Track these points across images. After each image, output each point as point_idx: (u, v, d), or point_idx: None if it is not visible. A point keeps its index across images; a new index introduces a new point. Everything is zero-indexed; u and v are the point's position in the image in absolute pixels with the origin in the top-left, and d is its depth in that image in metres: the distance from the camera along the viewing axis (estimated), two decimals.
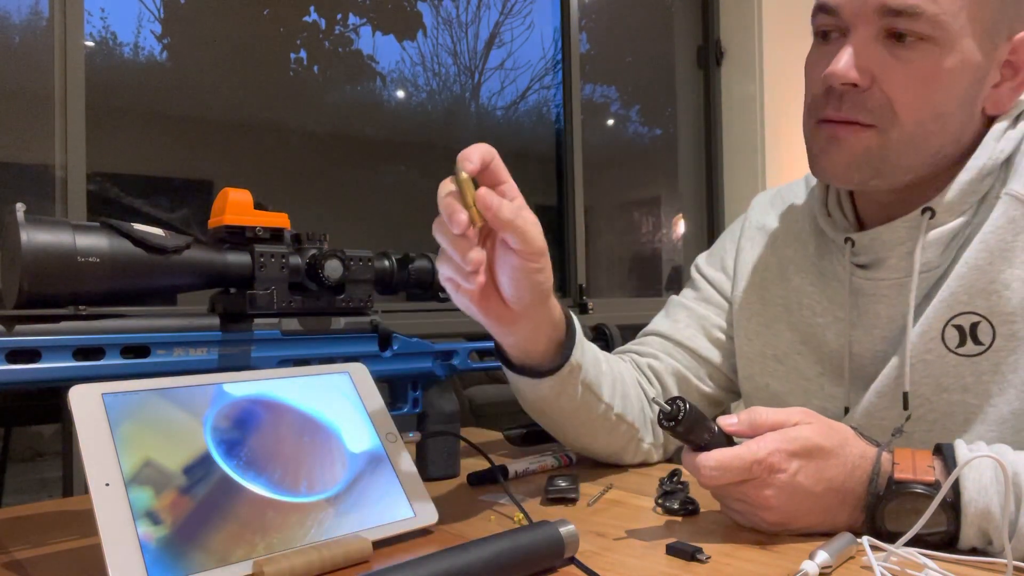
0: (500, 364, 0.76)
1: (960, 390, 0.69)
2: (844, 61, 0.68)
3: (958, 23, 0.66)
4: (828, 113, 0.70)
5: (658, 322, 0.95)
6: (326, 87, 2.20)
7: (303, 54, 2.09)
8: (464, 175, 0.56)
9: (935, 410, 0.70)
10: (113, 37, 1.73)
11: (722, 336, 0.91)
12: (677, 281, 2.81)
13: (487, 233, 0.62)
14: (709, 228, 2.68)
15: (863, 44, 0.68)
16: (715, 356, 0.90)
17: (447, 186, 0.57)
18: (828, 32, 0.71)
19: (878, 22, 0.67)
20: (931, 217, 0.70)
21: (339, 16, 2.16)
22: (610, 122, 3.04)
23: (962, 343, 0.69)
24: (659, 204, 2.99)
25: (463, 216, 0.56)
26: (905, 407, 0.70)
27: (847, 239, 0.76)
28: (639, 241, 2.92)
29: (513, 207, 0.58)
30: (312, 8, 2.06)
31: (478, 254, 0.57)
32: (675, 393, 0.88)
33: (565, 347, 0.72)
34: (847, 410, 0.76)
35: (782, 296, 0.85)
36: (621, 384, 0.81)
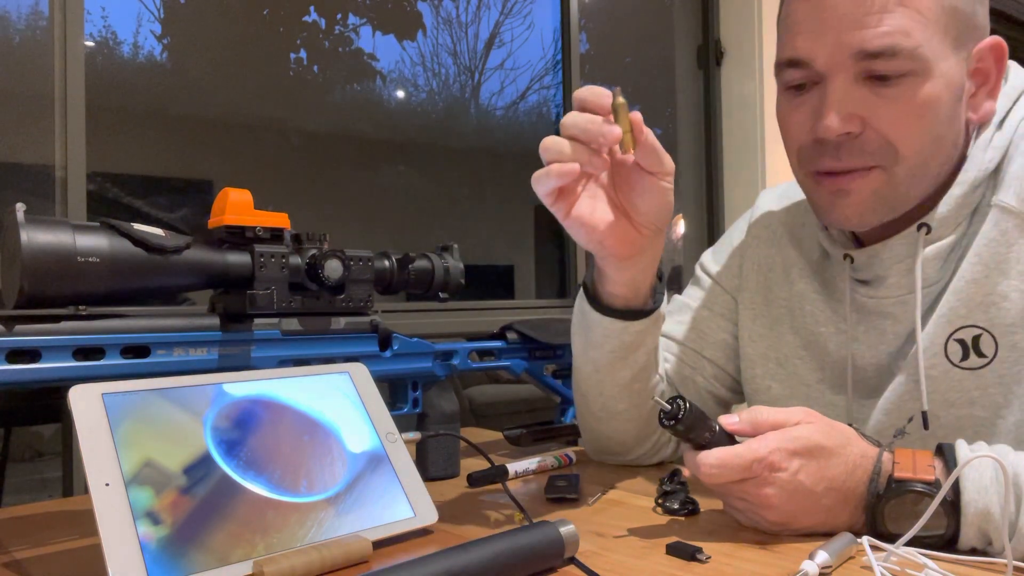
0: (591, 308, 0.76)
1: (967, 404, 0.69)
2: (834, 114, 0.66)
3: (933, 50, 0.65)
4: (826, 164, 0.69)
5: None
6: (326, 87, 2.20)
7: (303, 54, 2.10)
8: (622, 100, 0.61)
9: (944, 426, 0.70)
10: (113, 37, 1.73)
11: (727, 337, 0.90)
12: (677, 281, 2.81)
13: (615, 169, 0.69)
14: (709, 228, 2.67)
15: (846, 90, 0.66)
16: (720, 358, 0.90)
17: (583, 115, 0.63)
18: (801, 84, 0.70)
19: (855, 66, 0.65)
20: (927, 233, 0.70)
21: (339, 16, 2.16)
22: None
23: (965, 357, 0.69)
24: None
25: (617, 130, 0.62)
26: (925, 426, 0.69)
27: (846, 256, 0.75)
28: None
29: (651, 133, 0.64)
30: (312, 8, 2.06)
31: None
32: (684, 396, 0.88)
33: (657, 291, 0.77)
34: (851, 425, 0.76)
35: (786, 299, 0.84)
36: (662, 360, 0.83)
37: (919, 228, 0.70)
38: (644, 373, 0.78)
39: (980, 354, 0.68)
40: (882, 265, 0.73)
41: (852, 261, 0.75)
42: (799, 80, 0.70)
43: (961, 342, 0.69)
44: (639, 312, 0.74)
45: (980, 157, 0.70)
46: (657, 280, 0.76)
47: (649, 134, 0.64)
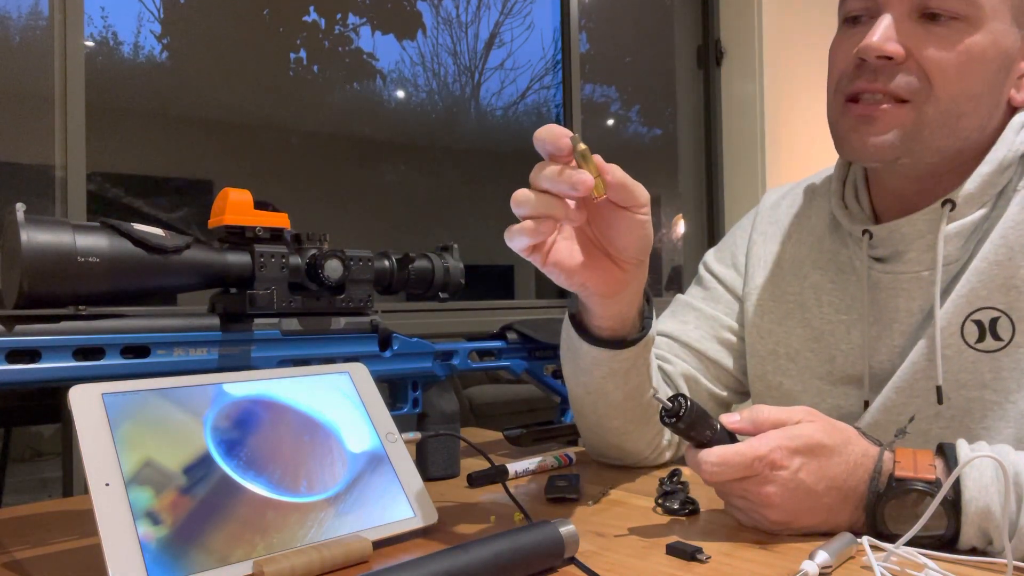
0: (578, 337, 0.73)
1: (979, 386, 0.69)
2: (880, 33, 0.67)
3: (990, 3, 0.67)
4: (860, 84, 0.70)
5: (665, 322, 0.93)
6: (326, 87, 2.20)
7: (303, 54, 2.09)
8: (583, 146, 0.57)
9: (953, 406, 0.70)
10: (113, 37, 1.73)
11: (732, 337, 0.90)
12: (677, 281, 2.81)
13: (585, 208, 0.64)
14: (709, 228, 2.67)
15: (897, 21, 0.68)
16: (725, 358, 0.89)
17: (550, 166, 0.58)
18: (858, 16, 0.72)
19: (912, 1, 0.68)
20: (951, 209, 0.70)
21: (339, 16, 2.16)
22: (610, 122, 3.04)
23: (981, 338, 0.69)
24: (659, 204, 2.98)
25: (587, 177, 0.57)
26: (940, 401, 0.69)
27: (865, 231, 0.75)
28: None
29: (618, 168, 0.61)
30: (312, 8, 2.06)
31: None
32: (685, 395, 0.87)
33: (646, 315, 0.74)
34: (867, 404, 0.75)
35: (796, 293, 0.84)
36: (656, 371, 0.81)
37: (943, 204, 0.71)
38: (637, 392, 0.76)
39: (997, 337, 0.68)
40: (903, 240, 0.73)
41: (871, 237, 0.75)
42: (858, 11, 0.72)
43: (978, 323, 0.69)
44: (627, 341, 0.72)
45: (1012, 138, 0.71)
46: (645, 304, 0.74)
47: (616, 170, 0.60)
